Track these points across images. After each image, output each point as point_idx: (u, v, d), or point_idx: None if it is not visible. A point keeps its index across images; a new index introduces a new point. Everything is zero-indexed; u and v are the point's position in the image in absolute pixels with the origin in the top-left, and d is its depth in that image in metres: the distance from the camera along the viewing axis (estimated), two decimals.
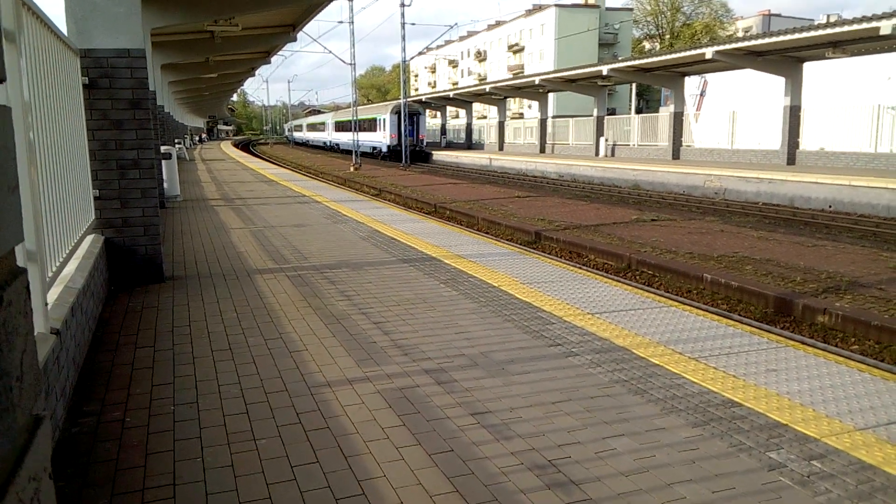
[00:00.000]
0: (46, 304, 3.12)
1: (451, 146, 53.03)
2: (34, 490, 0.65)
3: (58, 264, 3.89)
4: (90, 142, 5.58)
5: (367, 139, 44.37)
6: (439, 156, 44.98)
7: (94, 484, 2.54)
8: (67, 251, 4.28)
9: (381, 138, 44.51)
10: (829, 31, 19.60)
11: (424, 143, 43.40)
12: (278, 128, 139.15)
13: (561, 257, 10.56)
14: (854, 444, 2.85)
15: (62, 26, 4.97)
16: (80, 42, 5.47)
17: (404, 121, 39.72)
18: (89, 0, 5.53)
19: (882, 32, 18.09)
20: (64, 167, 4.30)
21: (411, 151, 40.92)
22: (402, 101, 39.02)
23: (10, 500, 0.57)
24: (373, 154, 44.88)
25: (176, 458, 2.73)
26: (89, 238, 5.37)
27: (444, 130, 56.39)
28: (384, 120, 43.70)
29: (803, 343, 4.68)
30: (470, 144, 49.51)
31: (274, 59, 28.49)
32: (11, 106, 2.73)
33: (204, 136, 72.98)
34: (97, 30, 5.55)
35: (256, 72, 35.84)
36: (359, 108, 42.18)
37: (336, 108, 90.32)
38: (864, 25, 18.55)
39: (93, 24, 5.52)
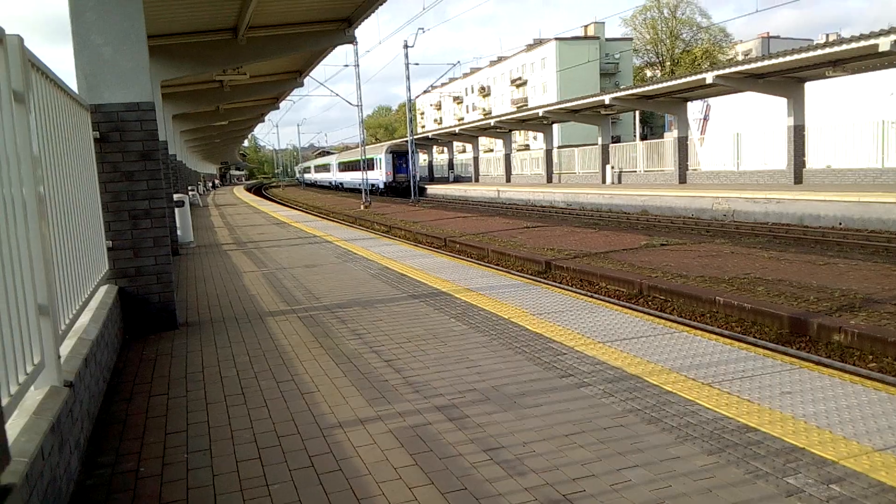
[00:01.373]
0: (59, 357, 3.16)
1: (458, 180, 53.44)
2: None
3: (71, 316, 3.94)
4: (102, 194, 5.70)
5: (367, 177, 46.77)
6: (448, 190, 45.35)
7: None
8: (81, 302, 4.35)
9: (379, 176, 48.08)
10: (828, 50, 19.75)
11: (417, 179, 46.02)
12: (290, 170, 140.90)
13: (572, 286, 10.54)
14: (873, 465, 2.80)
15: (73, 83, 5.14)
16: (91, 97, 5.63)
17: (412, 158, 40.39)
18: (98, 57, 5.71)
19: (881, 49, 18.21)
20: (76, 219, 4.39)
21: (405, 186, 44.38)
22: (409, 139, 39.60)
23: None
24: (372, 190, 47.09)
25: None
26: (103, 289, 5.45)
27: (451, 165, 56.92)
28: (381, 159, 47.39)
29: (819, 363, 4.63)
30: (477, 177, 49.87)
31: (283, 103, 29.04)
32: (21, 160, 2.82)
33: (216, 181, 74.02)
34: (106, 85, 5.71)
35: (266, 117, 36.50)
36: (357, 150, 44.57)
37: (345, 147, 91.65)
38: (863, 43, 18.68)
39: (102, 80, 5.69)
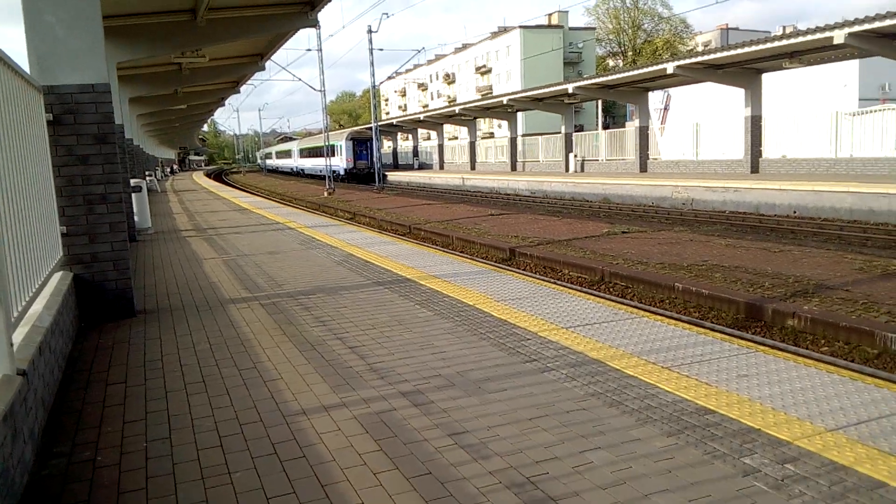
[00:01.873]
0: (12, 345, 3.06)
1: (423, 167, 53.32)
2: None
3: (24, 303, 3.82)
4: (56, 178, 5.52)
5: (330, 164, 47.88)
6: (412, 177, 45.23)
7: None
8: (34, 289, 4.21)
9: (340, 162, 48.30)
10: (785, 42, 20.18)
11: (381, 166, 46.66)
12: (251, 156, 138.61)
13: (535, 273, 10.63)
14: (826, 445, 2.90)
15: (25, 64, 4.94)
16: (43, 79, 5.43)
17: (376, 145, 40.13)
18: (51, 36, 5.50)
19: (836, 42, 18.68)
20: (27, 204, 4.24)
21: (366, 173, 45.18)
22: (373, 125, 39.32)
23: None
24: (332, 177, 47.96)
25: (149, 495, 2.68)
26: (57, 275, 5.29)
27: (416, 152, 56.72)
28: (341, 146, 47.51)
29: (774, 347, 4.77)
30: (442, 165, 49.85)
31: (244, 88, 28.51)
32: None
33: (175, 167, 72.40)
34: (60, 66, 5.51)
35: (226, 101, 35.79)
36: (318, 136, 44.66)
37: (308, 134, 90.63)
38: (819, 36, 19.14)
39: (55, 61, 5.49)
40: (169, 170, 59.38)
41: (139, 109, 22.80)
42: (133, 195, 12.47)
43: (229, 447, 3.09)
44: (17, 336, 3.52)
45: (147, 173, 23.21)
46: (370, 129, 51.44)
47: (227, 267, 8.51)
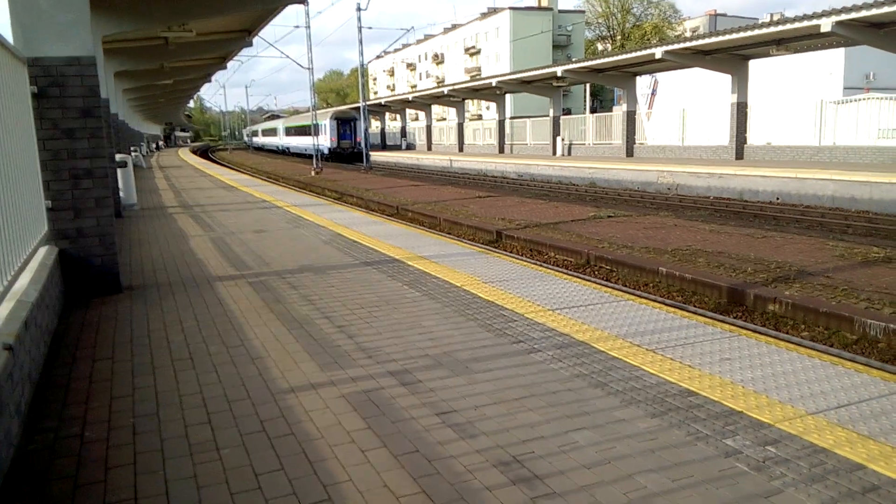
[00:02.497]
0: None
1: (411, 148, 53.08)
2: None
3: (9, 278, 3.79)
4: (41, 152, 5.44)
5: (311, 143, 49.53)
6: (400, 158, 45.02)
7: (53, 502, 2.49)
8: (19, 264, 4.17)
9: (324, 141, 48.57)
10: (772, 29, 20.23)
11: (361, 146, 46.57)
12: (237, 133, 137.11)
13: (522, 255, 10.66)
14: (806, 428, 2.96)
15: (8, 35, 4.84)
16: (28, 50, 5.33)
17: (364, 125, 39.87)
18: (35, 7, 5.39)
19: (823, 30, 18.76)
20: (11, 178, 4.19)
21: (349, 153, 45.89)
22: (360, 104, 38.99)
23: None
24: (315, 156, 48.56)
25: (137, 471, 2.69)
26: (42, 250, 5.23)
27: (404, 133, 56.44)
28: (325, 125, 47.41)
29: (756, 332, 4.84)
30: (430, 146, 49.67)
31: (231, 64, 28.12)
32: None
33: (161, 143, 71.48)
34: (45, 37, 5.41)
35: (213, 77, 35.31)
36: (304, 114, 44.50)
37: (295, 112, 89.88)
38: (806, 23, 19.21)
39: (40, 32, 5.38)
40: (155, 146, 58.62)
41: (125, 84, 22.44)
42: (118, 171, 12.32)
43: (217, 424, 3.10)
44: (3, 310, 3.49)
45: (132, 149, 22.89)
46: (354, 108, 51.66)
47: (213, 244, 8.46)
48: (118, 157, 12.55)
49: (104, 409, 3.32)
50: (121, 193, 12.40)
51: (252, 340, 4.38)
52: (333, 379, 3.64)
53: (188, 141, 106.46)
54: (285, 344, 4.28)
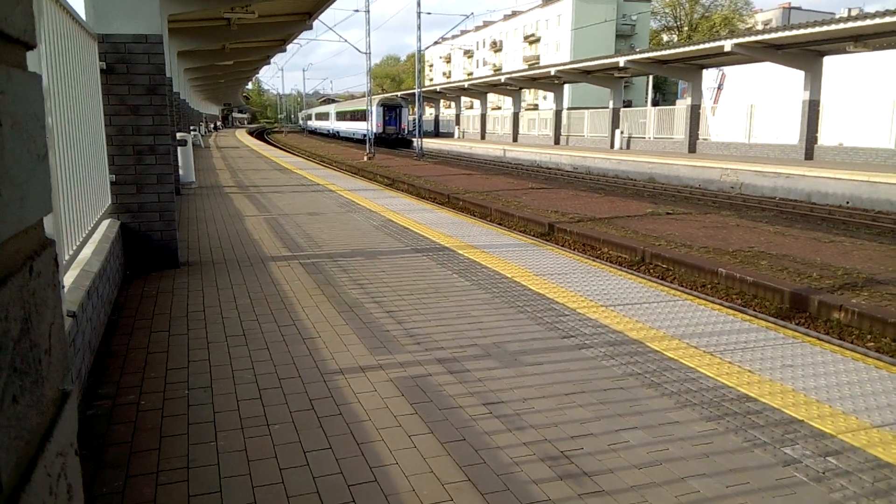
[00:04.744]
0: (63, 287, 3.14)
1: (464, 136, 52.99)
2: (61, 465, 0.65)
3: (74, 248, 3.91)
4: (107, 127, 5.61)
5: (359, 128, 51.47)
6: (453, 146, 44.98)
7: (110, 465, 2.56)
8: (84, 235, 4.31)
9: (370, 127, 48.97)
10: (850, 24, 19.32)
11: (406, 132, 49.38)
12: (293, 116, 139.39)
13: (574, 249, 10.50)
14: (871, 441, 2.82)
15: (80, 10, 4.99)
16: (98, 27, 5.49)
17: (419, 111, 39.91)
18: None
19: None
20: (81, 151, 4.32)
21: (394, 139, 47.99)
22: (416, 91, 39.00)
23: (38, 474, 0.57)
24: (361, 140, 50.06)
25: (190, 441, 2.74)
26: (105, 222, 5.41)
27: (458, 120, 56.33)
28: (372, 111, 48.24)
29: (819, 339, 4.63)
30: (483, 135, 49.47)
31: (289, 47, 28.51)
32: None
33: (219, 123, 73.26)
34: (115, 15, 5.56)
35: (272, 60, 35.90)
36: (352, 100, 45.45)
37: (351, 96, 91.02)
38: (887, 20, 18.24)
39: (111, 9, 5.53)
40: (213, 126, 60.07)
41: (187, 64, 23.01)
42: (179, 149, 12.64)
43: (268, 400, 3.14)
44: (67, 279, 3.61)
45: (192, 128, 23.52)
46: (409, 95, 52.55)
47: (268, 225, 8.60)
48: (179, 135, 12.89)
49: (160, 379, 3.40)
50: (180, 171, 12.74)
51: (303, 321, 4.43)
52: (382, 363, 3.64)
53: (245, 122, 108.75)
54: (335, 326, 4.31)
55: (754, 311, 7.22)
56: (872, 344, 6.37)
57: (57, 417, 0.65)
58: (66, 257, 3.62)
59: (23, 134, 0.59)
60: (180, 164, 12.80)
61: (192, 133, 18.77)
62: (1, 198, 0.53)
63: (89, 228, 4.58)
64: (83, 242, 4.30)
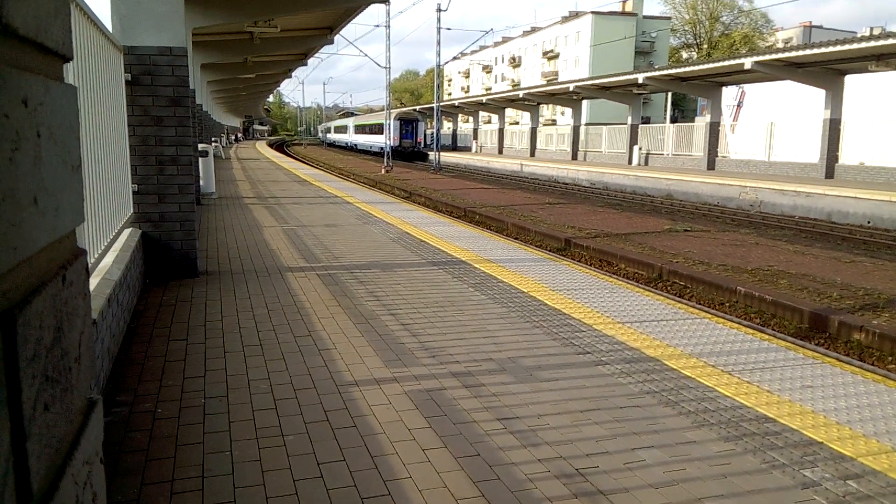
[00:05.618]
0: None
1: (481, 151, 53.16)
2: (87, 474, 0.65)
3: (96, 256, 3.97)
4: (130, 137, 5.70)
5: (376, 141, 52.58)
6: (470, 160, 45.11)
7: (126, 473, 2.58)
8: (106, 243, 4.37)
9: (387, 140, 50.07)
10: (874, 43, 19.16)
11: (422, 146, 50.65)
12: (312, 129, 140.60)
13: (591, 265, 10.45)
14: (892, 465, 2.76)
15: (107, 22, 5.09)
16: (124, 39, 5.59)
17: (437, 125, 40.09)
18: None
19: None
20: (104, 161, 4.40)
21: (410, 152, 49.15)
22: (435, 105, 39.19)
23: (66, 482, 0.57)
24: (378, 153, 50.95)
25: (205, 450, 2.76)
26: (127, 231, 5.48)
27: (476, 135, 56.53)
28: (389, 125, 48.92)
29: (839, 360, 4.56)
30: (501, 149, 49.58)
31: (311, 61, 28.77)
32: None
33: (240, 135, 74.08)
34: (141, 27, 5.66)
35: (293, 73, 36.27)
36: (370, 114, 46.19)
37: (370, 110, 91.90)
38: None
39: (136, 22, 5.64)
40: (234, 137, 60.74)
41: (210, 76, 23.34)
42: (200, 160, 12.80)
43: (284, 411, 3.15)
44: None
45: (213, 139, 23.80)
46: (415, 110, 53.20)
47: (286, 236, 8.66)
48: (200, 146, 13.05)
49: (177, 388, 3.43)
50: (201, 182, 12.88)
51: (319, 332, 4.44)
52: (397, 376, 3.64)
53: (265, 134, 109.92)
54: (351, 338, 4.32)
55: (773, 330, 7.13)
56: (894, 366, 6.26)
57: (84, 426, 0.66)
58: (88, 264, 3.67)
59: (58, 145, 0.61)
60: (201, 174, 12.95)
61: (213, 144, 18.98)
62: (37, 207, 0.54)
63: (111, 237, 4.65)
64: (105, 251, 4.36)
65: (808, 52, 21.55)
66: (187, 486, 2.48)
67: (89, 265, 3.65)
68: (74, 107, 0.68)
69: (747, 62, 23.69)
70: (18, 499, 0.49)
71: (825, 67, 23.14)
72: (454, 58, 51.39)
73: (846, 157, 23.72)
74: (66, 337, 0.61)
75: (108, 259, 4.44)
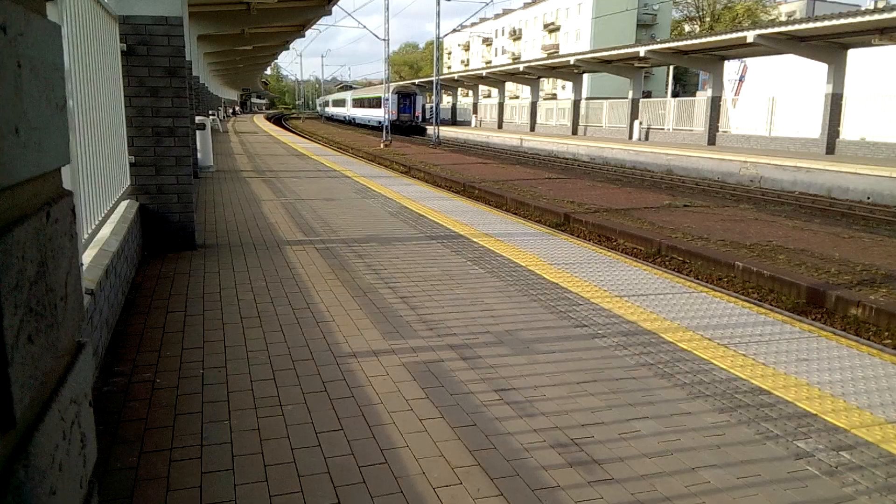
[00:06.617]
0: (81, 265, 3.18)
1: (480, 125, 52.83)
2: (75, 413, 0.66)
3: (93, 227, 3.96)
4: (127, 108, 5.65)
5: (374, 115, 52.55)
6: (469, 135, 44.85)
7: (124, 441, 2.60)
8: (103, 215, 4.36)
9: (385, 114, 49.73)
10: (876, 17, 18.94)
11: (420, 120, 50.85)
12: (311, 102, 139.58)
13: (589, 240, 10.46)
14: (885, 436, 2.79)
15: None
16: (119, 8, 5.51)
17: (436, 99, 39.79)
18: None
19: None
20: (100, 132, 4.36)
21: (408, 126, 49.06)
22: (434, 79, 38.84)
23: (52, 416, 0.58)
24: (376, 127, 50.95)
25: (204, 419, 2.78)
26: (124, 203, 5.46)
27: (475, 109, 56.12)
28: (387, 99, 48.56)
29: (835, 334, 4.58)
30: (500, 124, 49.27)
31: (308, 32, 28.48)
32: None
33: (237, 108, 73.49)
34: None
35: (291, 45, 35.88)
36: (368, 88, 46.02)
37: (369, 83, 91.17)
38: None
39: None
40: (231, 111, 60.27)
41: (206, 48, 23.07)
42: (197, 132, 12.72)
43: (282, 381, 3.17)
44: (86, 258, 3.66)
45: (210, 112, 23.61)
46: (414, 83, 52.75)
47: (284, 209, 8.64)
48: (197, 119, 12.95)
49: (175, 358, 3.45)
50: (198, 155, 12.81)
51: (318, 304, 4.45)
52: (394, 348, 3.66)
53: (263, 108, 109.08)
54: (349, 310, 4.33)
55: (770, 304, 7.16)
56: (890, 341, 6.30)
57: (71, 366, 0.67)
58: (85, 236, 3.66)
59: (41, 81, 0.60)
60: (199, 147, 12.87)
61: (210, 117, 18.85)
62: (18, 137, 0.54)
63: (108, 208, 4.63)
64: (102, 222, 4.34)
65: (811, 25, 21.31)
66: (186, 455, 2.50)
67: (86, 236, 3.65)
68: (59, 45, 0.67)
69: (750, 35, 23.44)
70: (0, 422, 0.50)
71: (828, 41, 22.91)
72: (454, 30, 50.79)
73: (847, 132, 23.60)
74: (51, 273, 0.61)
75: (106, 230, 4.43)
